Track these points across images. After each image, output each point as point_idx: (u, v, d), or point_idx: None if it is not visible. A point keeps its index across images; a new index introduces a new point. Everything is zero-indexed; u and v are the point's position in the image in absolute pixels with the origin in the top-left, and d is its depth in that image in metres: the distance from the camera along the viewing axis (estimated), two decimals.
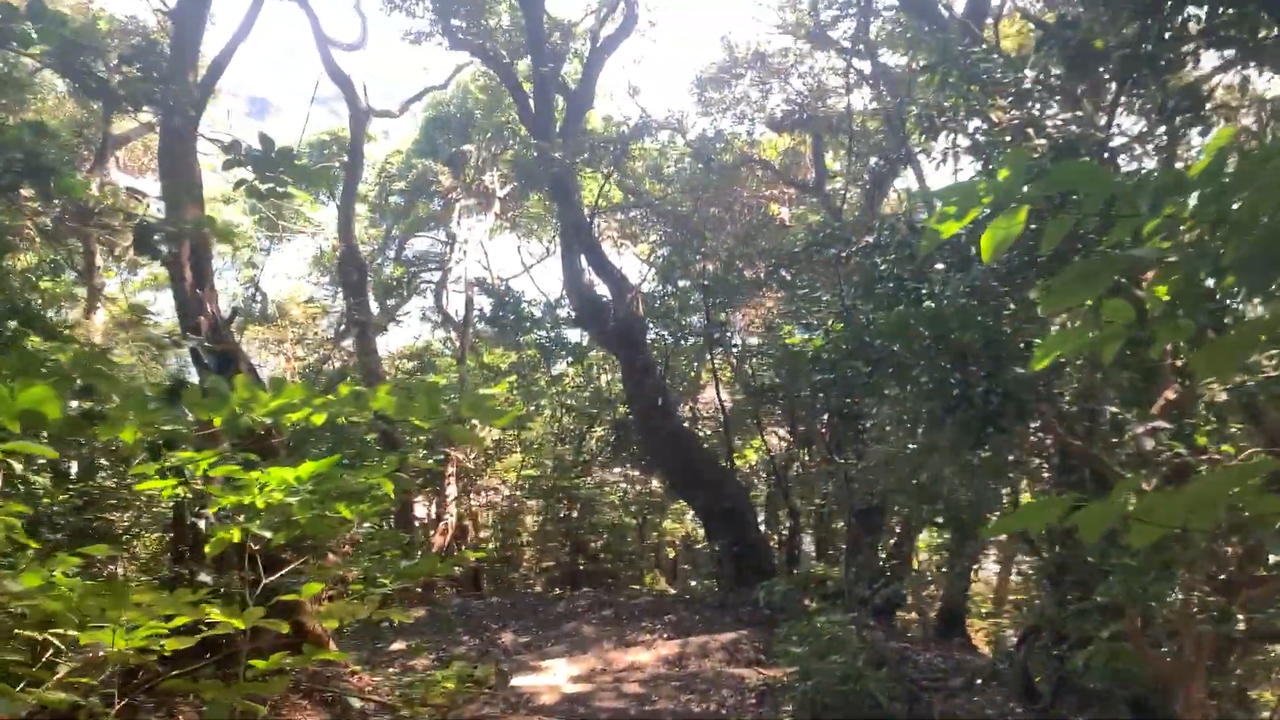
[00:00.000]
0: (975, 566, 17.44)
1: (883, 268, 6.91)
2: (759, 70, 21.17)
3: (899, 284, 6.54)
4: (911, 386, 5.92)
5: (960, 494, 8.73)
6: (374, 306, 28.18)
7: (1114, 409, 5.52)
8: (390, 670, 12.25)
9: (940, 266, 6.75)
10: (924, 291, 6.52)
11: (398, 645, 13.87)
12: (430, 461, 16.75)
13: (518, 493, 21.78)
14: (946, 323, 5.47)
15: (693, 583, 18.87)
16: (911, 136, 10.43)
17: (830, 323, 6.88)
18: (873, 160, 20.50)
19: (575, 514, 20.80)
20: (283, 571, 6.25)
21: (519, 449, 21.65)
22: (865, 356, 6.05)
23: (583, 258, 16.66)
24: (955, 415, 5.59)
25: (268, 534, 5.37)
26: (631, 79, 32.47)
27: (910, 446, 9.32)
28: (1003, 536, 12.09)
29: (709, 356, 16.80)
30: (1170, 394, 6.30)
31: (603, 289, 17.16)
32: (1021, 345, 5.53)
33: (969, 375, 5.57)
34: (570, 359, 19.58)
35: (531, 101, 16.13)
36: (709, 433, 19.65)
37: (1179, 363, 6.40)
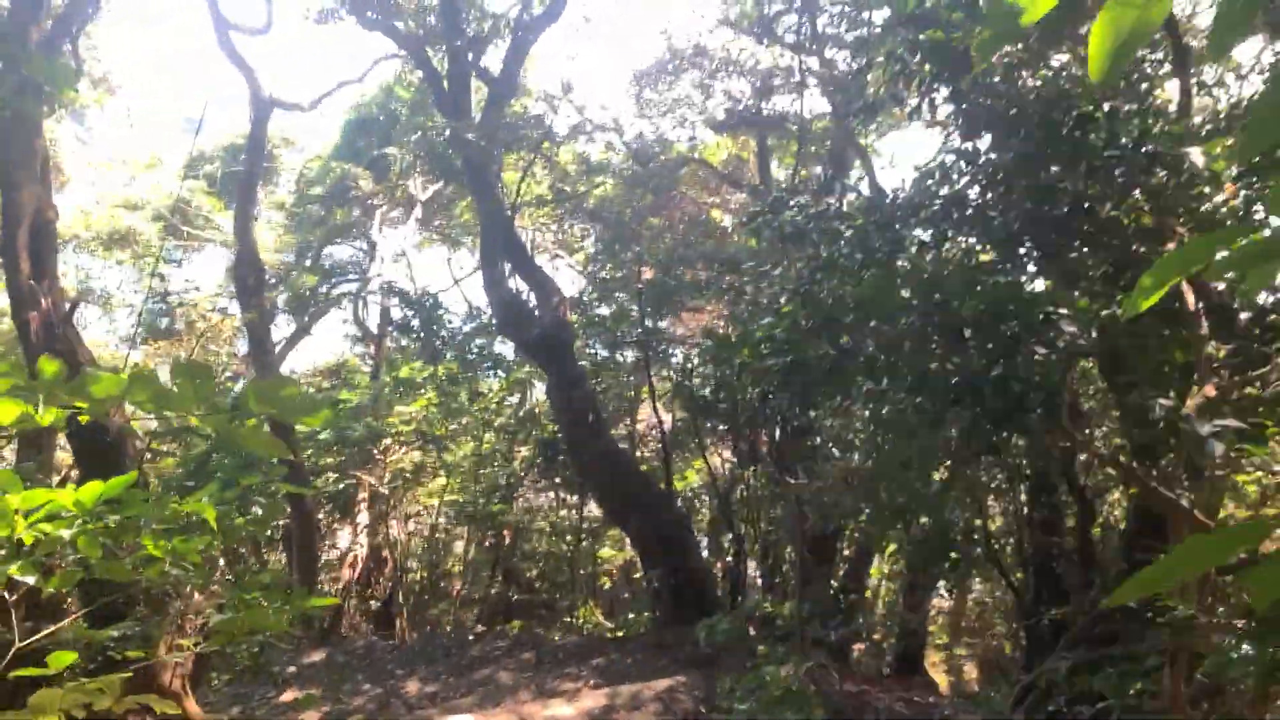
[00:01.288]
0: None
1: (848, 234, 5.52)
2: (700, 69, 19.94)
3: (869, 254, 5.17)
4: (891, 378, 4.56)
5: (934, 515, 7.37)
6: (285, 318, 26.37)
7: (1166, 402, 4.19)
8: None
9: (919, 233, 5.42)
10: (900, 264, 5.16)
11: (289, 695, 12.16)
12: (332, 486, 14.97)
13: (442, 520, 20.08)
14: (944, 288, 4.09)
15: (630, 615, 17.27)
16: (876, 110, 9.12)
17: (782, 303, 5.50)
18: (818, 169, 19.39)
19: (506, 542, 19.21)
20: (51, 630, 4.65)
21: (442, 472, 19.92)
22: (831, 337, 4.67)
23: (504, 259, 15.08)
24: (955, 412, 4.20)
25: (30, 579, 3.83)
26: (565, 77, 31.15)
27: (872, 459, 7.95)
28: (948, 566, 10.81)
29: (645, 370, 15.33)
30: (1210, 390, 5.00)
31: (531, 295, 15.59)
32: (1042, 317, 4.14)
33: (969, 360, 4.20)
34: (496, 372, 17.97)
35: (446, 83, 14.54)
36: (648, 453, 18.16)
37: (1220, 351, 5.11)
